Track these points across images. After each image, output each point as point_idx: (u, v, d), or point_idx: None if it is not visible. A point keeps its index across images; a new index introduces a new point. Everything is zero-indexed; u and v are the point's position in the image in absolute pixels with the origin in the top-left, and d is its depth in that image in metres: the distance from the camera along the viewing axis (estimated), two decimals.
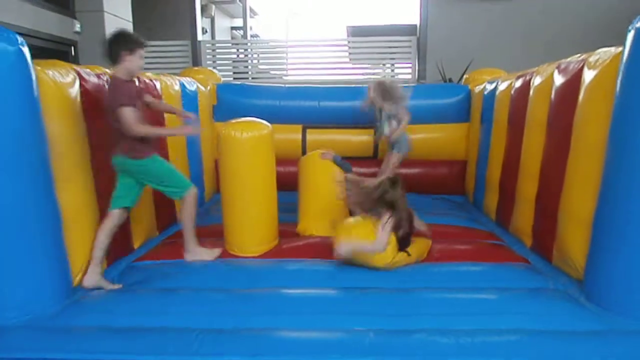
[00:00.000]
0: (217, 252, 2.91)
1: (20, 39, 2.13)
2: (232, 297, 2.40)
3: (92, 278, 2.54)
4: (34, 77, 2.21)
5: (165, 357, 1.93)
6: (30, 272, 2.22)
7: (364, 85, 5.21)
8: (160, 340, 2.02)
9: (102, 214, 2.82)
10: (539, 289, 2.47)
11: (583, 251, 2.43)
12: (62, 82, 2.53)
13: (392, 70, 7.85)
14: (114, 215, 2.68)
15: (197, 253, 2.86)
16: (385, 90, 3.96)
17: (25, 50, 2.15)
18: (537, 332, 2.05)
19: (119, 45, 2.57)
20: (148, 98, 2.94)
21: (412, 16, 7.89)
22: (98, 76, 2.88)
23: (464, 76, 5.52)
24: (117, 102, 2.50)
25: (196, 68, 5.99)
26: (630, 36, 2.07)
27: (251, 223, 2.97)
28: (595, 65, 2.43)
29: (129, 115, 2.50)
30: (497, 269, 2.73)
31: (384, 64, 7.77)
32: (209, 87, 4.82)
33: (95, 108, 2.79)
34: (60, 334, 2.08)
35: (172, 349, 1.97)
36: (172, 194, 2.78)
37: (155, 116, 3.25)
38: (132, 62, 2.60)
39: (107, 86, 2.71)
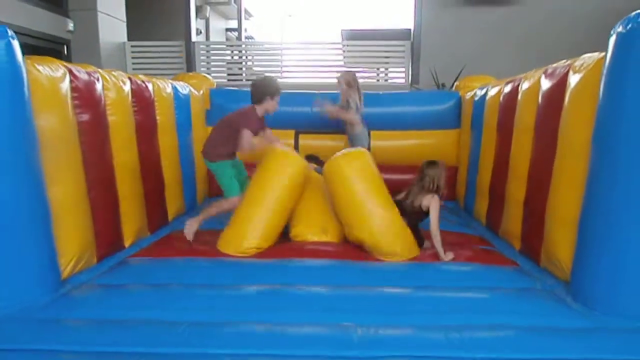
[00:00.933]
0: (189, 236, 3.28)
1: (10, 31, 2.13)
2: (222, 293, 2.42)
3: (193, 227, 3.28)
4: (24, 71, 2.22)
5: (155, 348, 1.94)
6: (20, 265, 2.23)
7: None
8: (150, 332, 2.03)
9: (92, 207, 2.83)
10: (527, 289, 2.51)
11: (570, 252, 2.47)
12: (52, 76, 2.53)
13: (386, 75, 7.90)
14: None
15: (192, 228, 3.27)
16: (353, 79, 4.23)
17: (16, 43, 2.15)
18: (524, 329, 2.08)
19: (265, 90, 3.28)
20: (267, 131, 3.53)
21: (406, 21, 7.95)
22: (88, 73, 2.88)
23: (456, 82, 5.57)
24: (243, 124, 3.17)
25: (190, 73, 5.98)
26: (612, 41, 2.13)
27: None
28: (580, 70, 2.48)
29: (248, 136, 3.17)
30: (486, 270, 2.78)
31: (378, 68, 7.81)
32: (202, 92, 4.83)
33: (86, 104, 2.80)
34: (50, 326, 2.08)
35: (161, 340, 1.98)
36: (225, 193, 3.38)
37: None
38: (271, 105, 3.32)
39: (238, 111, 3.37)
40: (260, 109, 3.32)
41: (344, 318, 2.18)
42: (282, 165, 3.16)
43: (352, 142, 4.18)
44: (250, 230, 3.03)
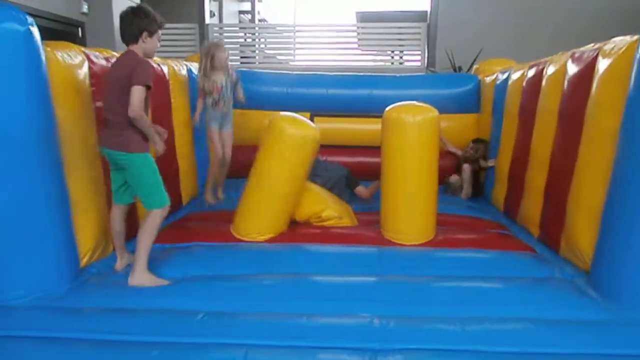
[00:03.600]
0: (163, 282, 2.39)
1: (30, 19, 2.10)
2: (238, 282, 2.42)
3: (121, 264, 2.61)
4: (43, 58, 2.20)
5: (171, 337, 1.94)
6: (39, 253, 2.23)
7: (373, 74, 5.18)
8: (165, 322, 2.03)
9: (110, 196, 2.83)
10: (546, 279, 2.47)
11: (591, 242, 2.41)
12: (71, 63, 2.51)
13: (401, 58, 7.77)
14: (120, 208, 2.56)
15: (144, 278, 2.35)
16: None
17: (35, 30, 2.12)
18: (543, 321, 2.05)
19: (139, 24, 2.31)
20: None
21: (422, 2, 7.77)
22: (107, 59, 2.86)
23: (474, 65, 5.45)
24: (137, 79, 2.20)
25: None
26: None
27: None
28: (610, 54, 2.39)
29: (140, 96, 2.22)
30: (503, 257, 2.73)
31: (392, 51, 7.68)
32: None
33: None
34: (67, 314, 2.10)
35: (176, 330, 1.98)
36: (147, 202, 2.36)
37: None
38: (150, 43, 2.36)
39: (116, 61, 2.45)
40: (138, 52, 2.34)
41: (361, 308, 2.16)
42: (282, 142, 2.92)
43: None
44: (261, 218, 2.99)
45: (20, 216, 2.16)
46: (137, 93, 2.21)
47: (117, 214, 2.57)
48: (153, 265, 2.48)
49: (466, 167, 4.27)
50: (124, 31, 2.35)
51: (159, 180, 2.38)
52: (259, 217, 3.00)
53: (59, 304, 2.18)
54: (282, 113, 3.10)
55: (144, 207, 2.40)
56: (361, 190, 3.78)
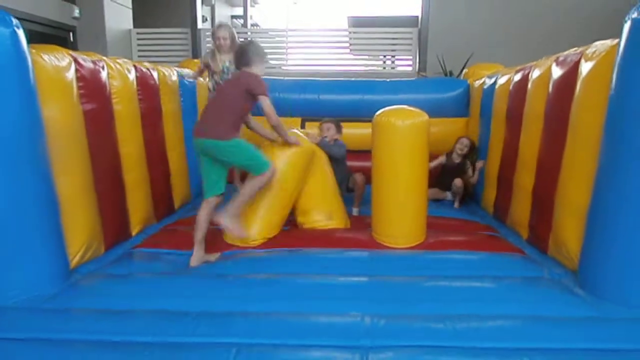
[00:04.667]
0: (246, 234, 2.88)
1: (15, 20, 2.11)
2: (229, 282, 2.43)
3: (197, 257, 2.72)
4: (29, 61, 2.20)
5: (162, 338, 1.95)
6: (28, 254, 2.24)
7: (364, 79, 5.22)
8: (157, 322, 2.04)
9: (99, 196, 2.84)
10: (534, 278, 2.50)
11: (578, 241, 2.45)
12: (57, 65, 2.51)
13: (393, 62, 7.83)
14: (212, 203, 2.79)
15: (233, 222, 2.77)
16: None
17: (21, 32, 2.13)
18: (532, 318, 2.08)
19: (253, 52, 2.82)
20: None
21: (414, 8, 7.85)
22: (94, 62, 2.87)
23: (464, 69, 5.52)
24: (261, 90, 2.70)
25: (195, 60, 5.97)
26: (626, 27, 2.08)
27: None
28: (592, 57, 2.44)
29: (271, 104, 2.75)
30: (493, 258, 2.76)
31: (384, 56, 7.74)
32: (207, 78, 4.80)
33: (91, 93, 2.79)
34: (59, 316, 2.09)
35: (167, 330, 1.99)
36: (256, 169, 2.76)
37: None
38: (260, 68, 2.86)
39: (231, 75, 3.11)
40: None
41: (351, 307, 2.18)
42: (280, 149, 3.05)
43: None
44: (254, 220, 3.00)
45: (9, 217, 2.16)
46: (267, 103, 2.74)
47: (208, 209, 2.77)
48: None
49: (458, 182, 4.17)
50: (239, 58, 2.87)
51: (256, 150, 2.81)
52: (252, 222, 3.01)
53: (49, 305, 2.18)
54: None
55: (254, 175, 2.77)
56: (358, 177, 3.72)
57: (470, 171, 4.25)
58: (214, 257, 2.80)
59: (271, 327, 2.02)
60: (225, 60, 3.93)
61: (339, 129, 3.77)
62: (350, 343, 1.93)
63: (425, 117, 2.98)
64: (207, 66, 4.08)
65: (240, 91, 2.72)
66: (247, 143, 2.78)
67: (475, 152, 4.34)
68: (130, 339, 1.94)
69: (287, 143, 3.03)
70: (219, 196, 2.81)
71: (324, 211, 3.27)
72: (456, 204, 4.25)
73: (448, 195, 4.34)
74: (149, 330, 1.98)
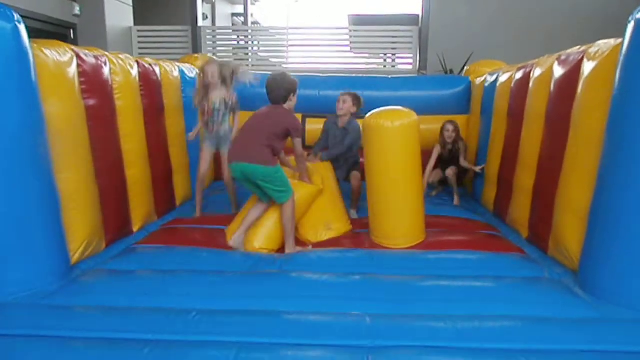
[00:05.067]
0: (307, 248, 3.03)
1: (16, 15, 2.10)
2: (229, 280, 2.43)
3: (238, 239, 2.97)
4: (31, 56, 2.20)
5: (162, 335, 1.94)
6: (29, 251, 2.23)
7: (365, 75, 5.21)
8: (156, 319, 2.03)
9: (101, 192, 2.83)
10: (534, 278, 2.50)
11: (578, 242, 2.45)
12: (59, 61, 2.51)
13: (393, 61, 7.83)
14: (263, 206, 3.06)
15: (294, 250, 2.97)
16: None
17: (22, 27, 2.12)
18: (532, 319, 2.07)
19: (288, 88, 2.96)
20: None
21: (414, 6, 7.85)
22: (96, 57, 2.86)
23: (465, 68, 5.52)
24: (299, 134, 2.98)
25: (196, 55, 5.98)
26: (630, 27, 2.07)
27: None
28: (595, 57, 2.43)
29: (301, 145, 3.04)
30: (493, 258, 2.76)
31: (385, 54, 7.74)
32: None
33: (93, 88, 2.78)
34: (59, 312, 2.09)
35: (168, 327, 1.98)
36: (280, 198, 2.91)
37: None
38: (293, 101, 3.03)
39: (277, 111, 2.98)
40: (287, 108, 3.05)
41: (352, 306, 2.17)
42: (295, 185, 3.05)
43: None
44: (258, 233, 3.01)
45: (9, 213, 2.16)
46: (299, 143, 3.03)
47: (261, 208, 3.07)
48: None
49: (449, 172, 4.19)
50: (277, 95, 2.97)
51: (287, 178, 2.97)
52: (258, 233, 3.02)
53: (49, 301, 2.18)
54: None
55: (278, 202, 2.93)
56: (354, 180, 3.66)
57: (462, 155, 4.25)
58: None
59: (272, 326, 2.01)
60: (216, 101, 3.55)
61: (357, 101, 3.67)
62: (351, 343, 1.92)
63: (415, 117, 2.98)
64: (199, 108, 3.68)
65: (282, 129, 2.91)
66: (283, 172, 2.96)
67: (465, 146, 4.34)
68: (130, 336, 1.93)
69: (301, 177, 3.21)
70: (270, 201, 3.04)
71: (321, 224, 3.21)
72: (456, 200, 4.23)
73: (450, 175, 4.23)
74: (149, 328, 1.97)
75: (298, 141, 2.99)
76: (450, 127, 4.22)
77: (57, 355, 1.84)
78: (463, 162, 4.26)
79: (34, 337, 1.93)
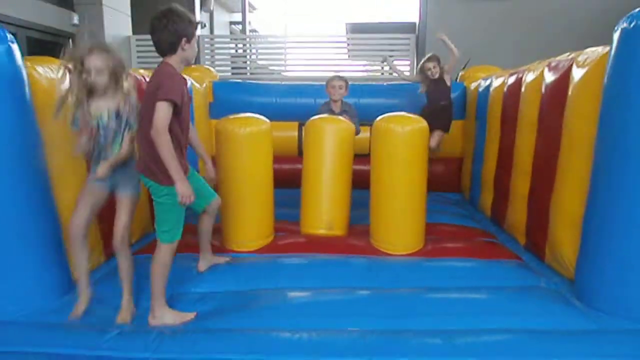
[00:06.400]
0: (188, 316, 2.24)
1: (9, 35, 2.11)
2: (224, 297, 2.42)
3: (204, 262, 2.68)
4: (25, 75, 2.20)
5: (163, 355, 1.94)
6: (30, 268, 2.23)
7: (362, 83, 5.24)
8: (156, 337, 2.02)
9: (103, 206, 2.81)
10: (531, 287, 2.49)
11: (574, 250, 2.44)
12: (53, 77, 2.49)
13: (391, 68, 7.87)
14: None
15: (164, 316, 2.19)
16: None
17: (15, 47, 2.13)
18: (528, 332, 2.06)
19: (180, 30, 2.05)
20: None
21: (411, 14, 7.91)
22: None
23: (459, 73, 5.55)
24: (168, 92, 1.99)
25: (192, 66, 5.99)
26: (616, 36, 2.09)
27: (247, 218, 2.98)
28: (584, 64, 2.45)
29: (165, 112, 1.99)
30: (489, 266, 2.75)
31: (382, 61, 7.78)
32: (205, 85, 4.80)
33: None
34: (61, 329, 2.08)
35: (167, 346, 1.98)
36: (159, 232, 2.23)
37: None
38: (189, 52, 2.12)
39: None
40: (176, 62, 2.12)
41: (349, 323, 2.16)
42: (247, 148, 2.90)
43: None
44: (247, 228, 3.00)
45: (8, 231, 2.16)
46: (159, 110, 1.99)
47: (201, 217, 2.62)
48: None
49: (434, 142, 3.96)
50: (158, 40, 2.07)
51: (180, 215, 2.22)
52: (249, 225, 3.01)
53: (50, 319, 2.17)
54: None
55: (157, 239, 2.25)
56: None
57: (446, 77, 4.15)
58: (223, 259, 2.80)
59: (268, 343, 2.00)
60: (102, 113, 2.17)
61: (347, 85, 3.87)
62: None
63: (425, 123, 3.00)
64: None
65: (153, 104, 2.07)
66: (176, 198, 2.17)
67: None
68: (133, 355, 1.93)
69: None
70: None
71: (324, 220, 3.22)
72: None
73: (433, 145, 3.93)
74: (149, 347, 1.96)
75: (161, 106, 1.97)
76: (433, 58, 4.19)
77: None
78: (447, 77, 4.17)
79: (35, 354, 1.93)
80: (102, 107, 2.15)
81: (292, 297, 2.42)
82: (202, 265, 2.73)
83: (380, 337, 2.03)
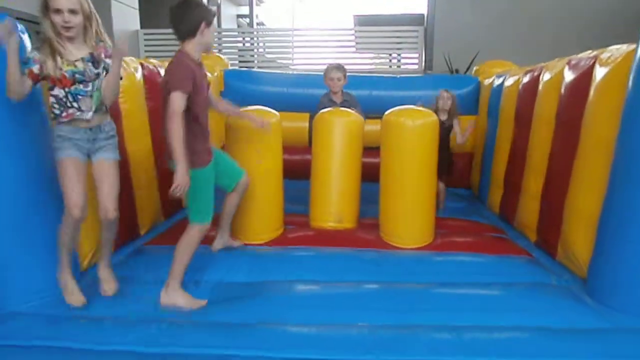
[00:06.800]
0: (199, 303, 2.27)
1: (20, 26, 2.09)
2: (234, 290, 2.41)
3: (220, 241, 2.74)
4: None
5: (175, 348, 1.93)
6: (37, 259, 2.23)
7: (370, 75, 5.19)
8: (163, 332, 2.02)
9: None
10: (542, 284, 2.47)
11: (587, 249, 2.42)
12: None
13: (399, 60, 7.82)
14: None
15: (177, 297, 2.22)
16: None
17: (26, 37, 2.14)
18: (539, 330, 2.04)
19: (196, 15, 2.12)
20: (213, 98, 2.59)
21: (419, 6, 7.83)
22: None
23: (473, 67, 5.48)
24: (177, 82, 2.07)
25: (204, 54, 5.95)
26: None
27: (257, 210, 2.98)
28: (607, 62, 2.40)
29: (176, 102, 2.05)
30: (499, 261, 2.73)
31: (390, 54, 7.73)
32: (216, 74, 4.78)
33: None
34: (69, 322, 2.08)
35: (174, 340, 1.97)
36: (190, 213, 2.32)
37: None
38: (207, 36, 2.19)
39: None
40: (192, 48, 2.19)
41: (358, 317, 2.15)
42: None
43: None
44: (258, 222, 3.00)
45: (17, 222, 2.16)
46: (171, 100, 2.06)
47: (229, 195, 2.66)
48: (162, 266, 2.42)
49: (441, 186, 3.74)
50: (180, 22, 2.14)
51: (210, 195, 2.31)
52: (258, 218, 3.00)
53: (58, 311, 2.17)
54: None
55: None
56: None
57: (457, 127, 3.79)
58: (237, 243, 2.86)
59: (278, 338, 1.99)
60: (77, 63, 2.06)
61: (346, 74, 3.73)
62: (356, 357, 1.90)
63: (435, 117, 2.98)
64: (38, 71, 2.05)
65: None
66: (207, 179, 2.36)
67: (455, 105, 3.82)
68: (142, 349, 1.92)
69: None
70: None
71: (334, 213, 3.20)
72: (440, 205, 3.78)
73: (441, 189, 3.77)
74: (155, 341, 1.95)
75: (172, 97, 2.05)
76: (446, 94, 3.75)
77: None
78: (460, 139, 3.78)
79: (41, 347, 1.93)
80: (77, 55, 2.04)
81: (301, 290, 2.42)
82: (218, 244, 2.76)
83: (389, 333, 2.02)
